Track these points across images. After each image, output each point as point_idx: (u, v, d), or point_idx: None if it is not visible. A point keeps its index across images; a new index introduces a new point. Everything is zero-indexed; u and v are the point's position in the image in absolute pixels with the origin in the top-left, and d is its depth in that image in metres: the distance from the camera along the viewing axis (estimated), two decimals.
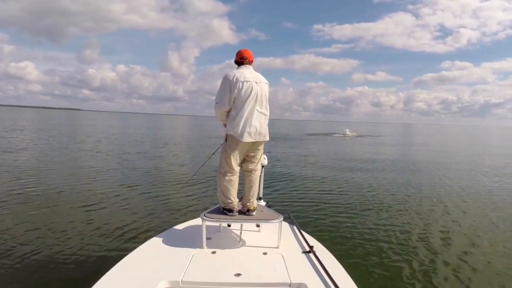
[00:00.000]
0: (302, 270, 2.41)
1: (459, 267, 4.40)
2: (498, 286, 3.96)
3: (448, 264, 4.49)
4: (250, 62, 3.17)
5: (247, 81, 2.97)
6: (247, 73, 3.04)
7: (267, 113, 3.13)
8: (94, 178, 9.56)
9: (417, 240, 5.38)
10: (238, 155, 3.06)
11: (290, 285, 2.22)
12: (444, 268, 4.37)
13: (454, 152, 23.31)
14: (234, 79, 2.96)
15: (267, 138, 3.12)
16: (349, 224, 6.01)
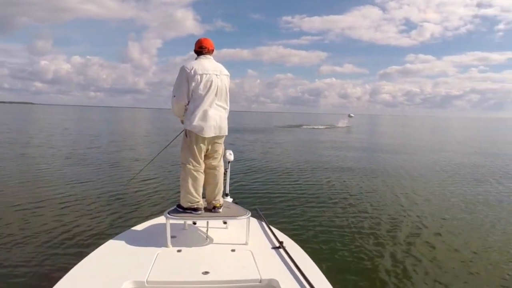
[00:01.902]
0: (273, 266, 2.40)
1: (427, 259, 4.57)
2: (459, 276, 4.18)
3: (417, 256, 4.64)
4: (210, 52, 3.05)
5: (206, 74, 2.87)
6: (206, 64, 2.94)
7: (227, 106, 3.07)
8: (46, 175, 9.11)
9: (385, 230, 5.56)
10: (201, 150, 2.98)
11: (260, 281, 2.21)
12: (411, 259, 4.53)
13: (418, 142, 24.41)
14: (192, 71, 2.85)
15: (226, 133, 3.07)
16: (318, 218, 6.10)
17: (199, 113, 2.86)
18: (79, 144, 16.96)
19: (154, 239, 2.80)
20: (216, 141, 3.06)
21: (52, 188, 7.71)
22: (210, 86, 2.88)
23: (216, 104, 2.95)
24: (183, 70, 2.88)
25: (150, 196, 7.29)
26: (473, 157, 15.70)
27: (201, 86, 2.85)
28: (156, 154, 4.14)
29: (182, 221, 3.09)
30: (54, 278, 2.12)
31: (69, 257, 4.12)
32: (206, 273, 2.27)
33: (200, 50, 3.03)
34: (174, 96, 2.95)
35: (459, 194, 8.22)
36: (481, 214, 6.61)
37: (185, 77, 2.87)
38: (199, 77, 2.85)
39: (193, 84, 2.85)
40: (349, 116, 54.93)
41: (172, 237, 2.74)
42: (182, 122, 3.03)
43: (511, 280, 3.99)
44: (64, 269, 2.25)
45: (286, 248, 2.64)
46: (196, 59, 3.01)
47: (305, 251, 2.70)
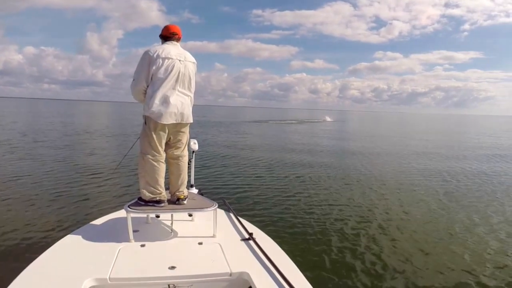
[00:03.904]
0: (243, 258, 2.39)
1: (393, 247, 4.73)
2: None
3: (387, 243, 4.81)
4: (178, 39, 3.04)
5: (168, 58, 2.84)
6: (171, 49, 2.91)
7: (191, 94, 3.02)
8: None
9: (355, 219, 5.73)
10: (161, 138, 2.91)
11: (230, 274, 2.19)
12: (381, 246, 4.68)
13: (385, 137, 25.27)
14: (155, 55, 2.81)
15: (191, 120, 3.01)
16: (288, 208, 6.18)
17: (157, 98, 2.80)
18: (28, 138, 16.12)
19: (115, 234, 2.72)
20: (179, 129, 3.00)
21: None
22: (171, 71, 2.84)
23: (178, 91, 2.89)
24: (146, 53, 2.85)
25: (109, 189, 7.08)
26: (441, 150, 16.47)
27: (162, 70, 2.81)
28: (128, 150, 3.99)
29: (144, 215, 3.01)
30: (7, 279, 2.01)
31: (22, 256, 3.88)
32: (172, 268, 2.21)
33: (169, 35, 2.99)
34: (134, 80, 2.91)
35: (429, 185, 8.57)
36: (447, 204, 6.91)
37: (147, 61, 2.82)
38: (160, 61, 2.81)
39: (154, 67, 2.80)
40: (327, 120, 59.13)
41: (134, 231, 2.67)
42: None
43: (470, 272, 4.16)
44: (17, 270, 2.10)
45: (256, 240, 2.63)
46: (162, 43, 2.98)
47: (275, 242, 2.70)
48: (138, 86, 2.88)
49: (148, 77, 2.84)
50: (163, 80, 2.81)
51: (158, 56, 2.81)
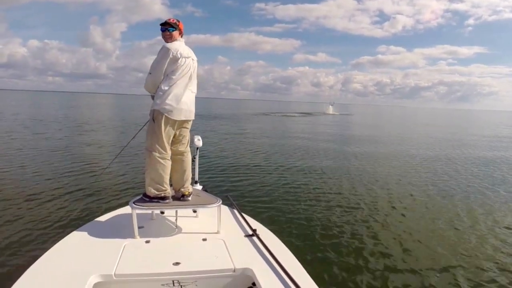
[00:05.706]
0: (246, 255, 2.41)
1: (397, 241, 4.74)
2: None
3: (389, 238, 4.84)
4: (182, 36, 3.13)
5: (187, 58, 2.93)
6: (186, 48, 2.99)
7: (196, 91, 3.13)
8: None
9: (359, 215, 5.74)
10: (169, 135, 2.95)
11: (234, 270, 2.22)
12: (386, 241, 4.70)
13: (388, 131, 25.20)
14: (178, 54, 2.87)
15: (193, 117, 3.11)
16: (292, 204, 6.17)
17: (172, 94, 2.86)
18: (29, 130, 16.04)
19: (120, 230, 2.75)
20: (184, 125, 3.07)
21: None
22: (188, 70, 2.94)
23: (188, 88, 2.99)
24: (167, 50, 2.88)
25: (114, 186, 7.03)
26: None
27: (180, 69, 2.90)
28: (128, 142, 4.01)
29: (149, 211, 3.04)
30: (14, 276, 2.03)
31: (28, 253, 3.92)
32: (177, 264, 2.24)
33: (182, 32, 3.08)
34: (150, 73, 2.95)
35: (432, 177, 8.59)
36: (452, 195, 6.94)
37: (168, 58, 2.87)
38: (183, 60, 2.91)
39: (174, 66, 2.88)
40: (331, 104, 60.19)
41: (139, 227, 2.70)
42: (153, 98, 3.00)
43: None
44: (24, 266, 2.15)
45: (260, 236, 2.65)
46: (176, 40, 3.01)
47: (279, 238, 2.72)
48: (155, 81, 2.92)
49: (165, 73, 2.90)
50: (179, 78, 2.90)
51: (181, 55, 2.88)
